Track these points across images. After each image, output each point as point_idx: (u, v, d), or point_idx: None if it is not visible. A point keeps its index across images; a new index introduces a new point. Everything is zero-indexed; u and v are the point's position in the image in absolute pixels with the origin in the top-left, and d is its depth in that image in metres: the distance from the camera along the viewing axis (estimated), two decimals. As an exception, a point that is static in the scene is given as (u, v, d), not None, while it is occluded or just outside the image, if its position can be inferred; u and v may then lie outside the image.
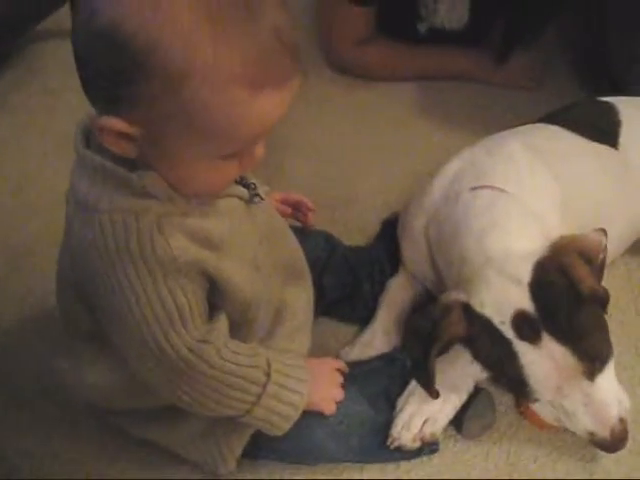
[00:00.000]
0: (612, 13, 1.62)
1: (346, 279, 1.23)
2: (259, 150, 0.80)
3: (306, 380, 0.94)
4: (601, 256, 0.99)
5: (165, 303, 0.80)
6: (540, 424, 1.07)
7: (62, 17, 1.94)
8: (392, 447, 1.03)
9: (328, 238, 1.27)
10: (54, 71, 1.89)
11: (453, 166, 1.17)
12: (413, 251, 1.20)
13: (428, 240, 1.15)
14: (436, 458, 1.07)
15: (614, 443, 0.98)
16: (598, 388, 0.96)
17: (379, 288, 1.24)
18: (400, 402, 1.05)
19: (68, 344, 0.99)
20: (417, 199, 1.20)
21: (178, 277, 0.80)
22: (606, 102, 1.32)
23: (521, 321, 0.93)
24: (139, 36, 0.67)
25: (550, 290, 0.94)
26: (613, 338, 0.99)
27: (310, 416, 0.96)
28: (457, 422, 1.07)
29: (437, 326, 0.96)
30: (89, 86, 0.74)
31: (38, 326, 1.24)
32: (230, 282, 0.85)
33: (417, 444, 1.04)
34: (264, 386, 0.90)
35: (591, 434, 0.98)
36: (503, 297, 0.95)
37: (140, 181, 0.77)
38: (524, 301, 0.94)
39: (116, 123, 0.72)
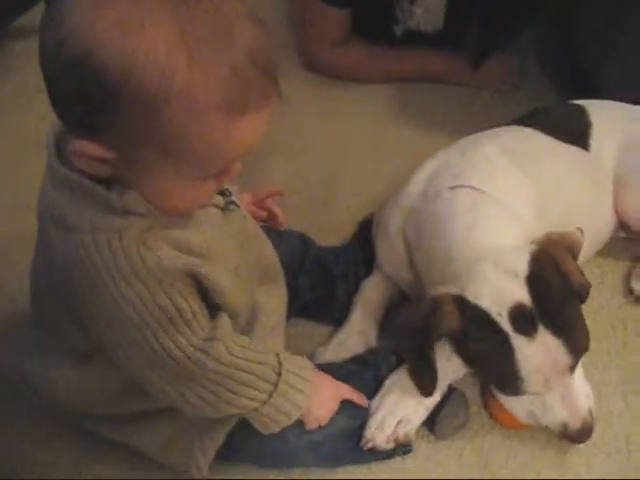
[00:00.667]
0: (581, 13, 1.63)
1: (320, 280, 1.23)
2: (236, 167, 0.79)
3: (310, 380, 0.95)
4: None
5: (166, 309, 0.80)
6: (508, 423, 1.08)
7: (39, 14, 1.93)
8: (365, 448, 1.03)
9: (303, 239, 1.27)
10: (30, 70, 1.86)
11: (429, 167, 1.18)
12: (389, 251, 1.20)
13: (405, 239, 1.15)
14: (409, 459, 1.07)
15: (584, 433, 1.01)
16: (575, 381, 0.99)
17: (353, 289, 1.24)
18: (374, 404, 1.05)
19: (46, 350, 0.97)
20: (393, 199, 1.21)
21: (173, 283, 0.79)
22: (577, 105, 1.34)
23: (518, 314, 0.94)
24: (112, 64, 0.65)
25: (546, 283, 0.96)
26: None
27: None
28: (430, 422, 1.08)
29: (429, 320, 0.96)
30: (60, 107, 0.73)
31: (9, 326, 1.23)
32: (218, 288, 0.85)
33: (391, 445, 1.04)
34: (275, 384, 0.90)
35: (564, 426, 1.01)
36: (501, 289, 0.96)
37: (120, 200, 0.76)
38: (522, 294, 0.95)
39: (91, 148, 0.71)
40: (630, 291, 1.30)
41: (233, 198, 0.92)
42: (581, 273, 0.99)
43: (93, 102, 0.68)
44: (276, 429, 0.94)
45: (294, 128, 1.65)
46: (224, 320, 0.87)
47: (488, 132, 1.28)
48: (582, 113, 1.31)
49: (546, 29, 1.86)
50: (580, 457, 1.06)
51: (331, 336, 1.20)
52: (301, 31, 1.83)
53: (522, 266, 0.96)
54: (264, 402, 0.90)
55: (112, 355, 0.86)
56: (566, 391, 0.99)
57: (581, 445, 1.05)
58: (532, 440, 1.09)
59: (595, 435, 1.08)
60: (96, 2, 0.67)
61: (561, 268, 0.97)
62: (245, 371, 0.88)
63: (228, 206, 0.91)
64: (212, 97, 0.68)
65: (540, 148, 1.23)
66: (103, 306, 0.79)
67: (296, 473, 1.05)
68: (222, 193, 0.90)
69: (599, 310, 1.28)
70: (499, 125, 1.32)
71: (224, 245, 0.88)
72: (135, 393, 0.93)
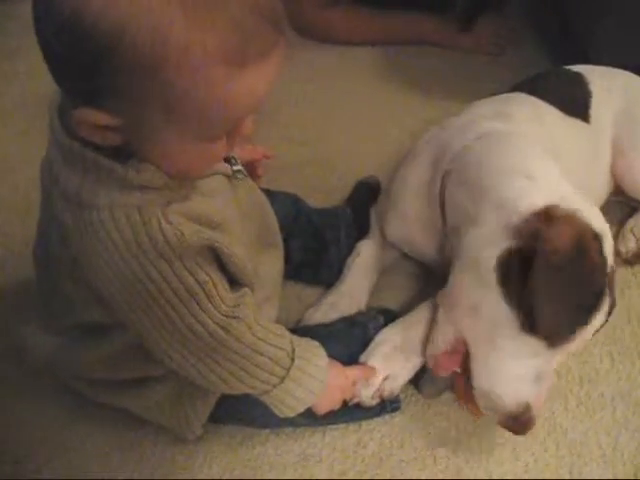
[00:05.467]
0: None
1: (312, 243, 1.23)
2: (247, 126, 0.77)
3: (324, 366, 0.93)
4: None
5: (187, 284, 0.78)
6: (478, 412, 1.07)
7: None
8: (350, 403, 1.03)
9: (295, 201, 1.26)
10: (12, 33, 1.85)
11: (430, 133, 1.17)
12: (402, 219, 1.17)
13: (440, 194, 1.08)
14: (397, 417, 1.08)
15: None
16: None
17: (345, 252, 1.23)
18: (361, 359, 1.05)
19: (45, 320, 0.97)
20: (402, 169, 1.19)
21: (194, 257, 0.78)
22: (576, 72, 1.32)
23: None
24: (103, 22, 0.63)
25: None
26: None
27: None
28: (415, 382, 1.08)
29: (539, 231, 0.88)
30: (61, 77, 0.71)
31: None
32: (236, 260, 0.84)
33: (375, 401, 1.04)
34: (288, 369, 0.89)
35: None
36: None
37: (138, 177, 0.74)
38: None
39: (95, 116, 0.69)
40: (617, 253, 1.28)
41: (240, 167, 0.90)
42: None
43: (90, 66, 0.66)
44: (290, 414, 0.93)
45: (281, 91, 1.63)
46: (248, 298, 0.86)
47: (498, 98, 1.24)
48: (581, 80, 1.29)
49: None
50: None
51: (321, 298, 1.20)
52: (289, -7, 1.81)
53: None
54: (275, 386, 0.89)
55: (131, 330, 0.85)
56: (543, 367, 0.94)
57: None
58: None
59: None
60: None
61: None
62: (262, 354, 0.87)
63: (235, 174, 0.90)
64: (209, 50, 0.66)
65: (545, 115, 1.20)
66: (124, 284, 0.77)
67: (286, 432, 1.06)
68: (228, 160, 0.89)
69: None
70: (490, 88, 1.31)
71: (232, 215, 0.87)
72: (125, 363, 0.93)
